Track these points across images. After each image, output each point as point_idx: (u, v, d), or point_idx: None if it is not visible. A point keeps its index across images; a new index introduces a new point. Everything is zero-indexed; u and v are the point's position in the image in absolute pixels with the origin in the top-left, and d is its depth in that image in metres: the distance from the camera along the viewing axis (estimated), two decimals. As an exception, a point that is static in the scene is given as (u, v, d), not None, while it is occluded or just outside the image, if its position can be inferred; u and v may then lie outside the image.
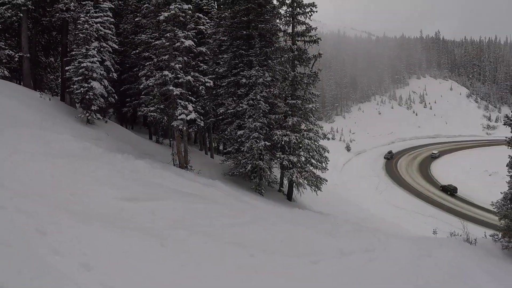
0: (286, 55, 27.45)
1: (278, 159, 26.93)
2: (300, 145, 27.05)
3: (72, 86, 24.76)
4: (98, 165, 15.12)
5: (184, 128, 23.20)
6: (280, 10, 28.32)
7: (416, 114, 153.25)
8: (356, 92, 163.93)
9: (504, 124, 20.72)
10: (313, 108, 27.92)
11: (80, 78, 24.22)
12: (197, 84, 24.05)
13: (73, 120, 24.37)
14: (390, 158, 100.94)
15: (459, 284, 10.86)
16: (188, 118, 22.65)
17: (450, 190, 69.92)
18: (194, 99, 24.96)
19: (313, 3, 27.13)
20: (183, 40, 22.71)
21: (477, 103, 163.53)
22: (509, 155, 19.49)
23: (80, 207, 9.76)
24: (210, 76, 28.07)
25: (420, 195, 69.62)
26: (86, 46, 24.60)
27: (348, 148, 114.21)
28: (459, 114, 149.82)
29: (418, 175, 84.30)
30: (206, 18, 30.59)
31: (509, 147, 19.37)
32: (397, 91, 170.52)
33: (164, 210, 11.49)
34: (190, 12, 23.50)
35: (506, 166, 19.78)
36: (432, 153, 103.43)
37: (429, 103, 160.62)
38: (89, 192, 11.13)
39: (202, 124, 24.66)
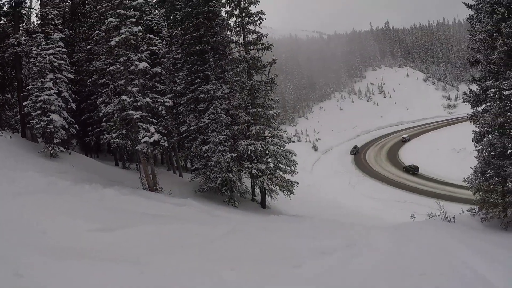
0: (241, 65, 27.66)
1: (247, 169, 27.02)
2: (267, 152, 27.23)
3: (31, 121, 24.34)
4: (66, 198, 14.87)
5: (149, 150, 23.03)
6: (230, 22, 28.60)
7: (377, 105, 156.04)
8: (315, 92, 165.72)
9: (464, 101, 21.48)
10: (275, 114, 28.18)
11: (38, 112, 23.86)
12: (157, 105, 23.93)
13: (36, 155, 23.90)
14: (356, 153, 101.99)
15: (444, 263, 11.06)
16: (152, 140, 22.49)
17: (412, 170, 73.59)
18: (155, 121, 24.81)
19: (261, 10, 27.49)
20: (137, 63, 22.58)
21: (435, 85, 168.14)
22: (473, 130, 20.19)
23: (53, 244, 9.57)
24: (168, 96, 27.96)
25: (393, 182, 70.78)
26: (42, 79, 24.30)
27: (315, 148, 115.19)
28: (419, 98, 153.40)
29: (387, 164, 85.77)
30: (158, 38, 30.38)
31: (472, 123, 20.06)
32: (356, 85, 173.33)
33: (138, 236, 11.38)
34: (140, 34, 23.40)
35: (472, 141, 20.47)
36: (402, 137, 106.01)
37: (388, 92, 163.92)
38: (60, 227, 10.93)
39: (166, 145, 24.51)
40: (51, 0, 30.26)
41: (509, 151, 18.86)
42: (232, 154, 25.71)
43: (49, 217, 11.71)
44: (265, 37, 28.31)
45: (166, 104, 24.51)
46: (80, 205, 14.37)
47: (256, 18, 27.73)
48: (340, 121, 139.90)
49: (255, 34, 28.15)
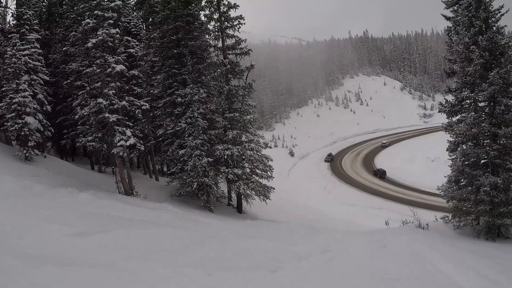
0: (219, 70, 27.62)
1: (223, 174, 26.93)
2: (243, 157, 27.20)
3: (5, 123, 23.84)
4: (42, 203, 14.63)
5: (125, 154, 22.79)
6: (209, 26, 28.45)
7: (354, 112, 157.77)
8: (292, 98, 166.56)
9: (439, 111, 21.92)
10: (252, 119, 28.19)
11: (13, 114, 23.42)
12: (133, 108, 23.70)
13: (10, 159, 23.42)
14: (331, 161, 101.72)
15: (416, 270, 11.22)
16: (128, 143, 22.27)
17: (379, 173, 77.66)
18: (132, 124, 24.55)
19: (241, 15, 27.47)
20: (114, 65, 22.33)
21: (411, 94, 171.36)
22: (448, 140, 20.57)
23: (29, 250, 9.34)
24: (145, 99, 27.71)
25: (368, 189, 71.31)
26: (16, 81, 23.88)
27: (291, 154, 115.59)
28: (395, 107, 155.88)
29: (363, 170, 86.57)
30: (135, 40, 30.21)
31: (447, 132, 20.45)
32: (333, 92, 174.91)
33: (115, 241, 11.23)
34: (118, 36, 23.17)
35: (446, 150, 20.86)
36: (382, 142, 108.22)
37: (365, 100, 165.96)
38: (36, 233, 10.69)
39: (142, 148, 24.29)
40: (27, 0, 29.56)
41: (482, 161, 19.30)
42: (209, 158, 25.57)
43: (25, 222, 11.48)
44: (243, 42, 28.31)
45: (143, 107, 24.28)
46: (56, 210, 14.13)
47: (235, 23, 27.70)
48: (317, 127, 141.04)
49: (233, 39, 28.13)
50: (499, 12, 18.92)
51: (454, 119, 20.44)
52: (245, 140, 27.93)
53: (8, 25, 35.58)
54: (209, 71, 28.57)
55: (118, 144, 21.94)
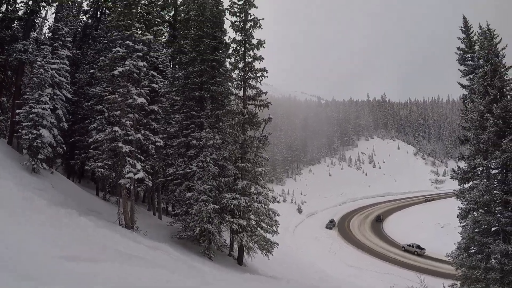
0: (236, 118, 27.77)
1: (228, 223, 26.55)
2: (250, 209, 26.85)
3: (20, 130, 23.81)
4: (39, 218, 14.41)
5: (132, 187, 22.69)
6: (233, 74, 28.91)
7: (366, 174, 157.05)
8: (306, 154, 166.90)
9: (452, 178, 21.79)
10: (263, 172, 28.00)
11: (29, 123, 23.37)
12: (147, 143, 23.83)
13: (18, 166, 23.19)
14: (332, 227, 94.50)
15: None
16: (136, 177, 22.25)
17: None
18: (143, 158, 24.58)
19: (264, 68, 27.94)
20: (136, 97, 22.65)
21: (424, 159, 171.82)
22: (459, 207, 20.28)
23: (15, 266, 9.06)
24: (161, 135, 27.92)
25: (375, 253, 69.66)
26: (39, 92, 23.98)
27: (299, 210, 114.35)
28: (408, 171, 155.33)
29: (371, 233, 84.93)
30: (160, 77, 30.72)
31: (458, 199, 20.20)
32: (347, 153, 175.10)
33: (107, 272, 10.89)
34: (144, 69, 23.60)
35: (457, 217, 20.53)
36: (376, 217, 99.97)
37: (378, 163, 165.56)
38: (26, 248, 10.43)
39: (150, 184, 24.21)
40: (66, 17, 30.40)
41: (493, 229, 18.95)
42: (215, 205, 25.22)
43: (16, 234, 11.28)
44: (264, 94, 28.60)
45: (157, 143, 24.41)
46: (52, 229, 13.91)
47: (258, 74, 28.14)
48: (328, 186, 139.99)
49: (255, 90, 28.42)
50: (514, 81, 19.12)
51: (466, 185, 20.28)
52: (254, 191, 27.67)
53: (43, 36, 36.40)
54: (227, 118, 28.70)
55: (127, 175, 21.91)
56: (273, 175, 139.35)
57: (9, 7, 28.81)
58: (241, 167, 27.34)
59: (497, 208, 18.57)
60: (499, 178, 18.76)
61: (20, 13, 29.00)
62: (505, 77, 19.28)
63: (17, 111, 25.02)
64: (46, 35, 36.30)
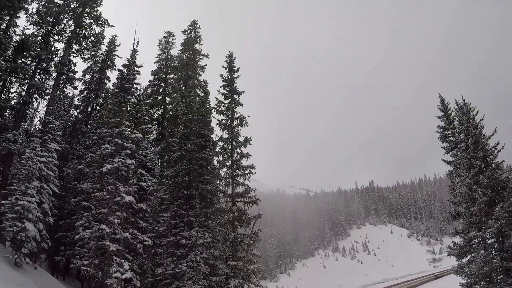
0: (226, 216, 27.49)
1: (221, 325, 25.37)
2: (244, 308, 25.83)
3: (5, 222, 23.02)
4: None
5: (119, 287, 21.87)
6: (221, 172, 29.05)
7: (361, 263, 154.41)
8: (299, 248, 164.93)
9: (448, 255, 21.57)
10: (255, 269, 27.20)
11: (14, 215, 22.70)
12: (135, 242, 23.36)
13: (0, 258, 22.29)
14: None
15: None
16: (124, 277, 21.53)
17: None
18: (131, 257, 23.93)
19: (252, 164, 28.23)
20: (124, 195, 22.57)
21: (419, 240, 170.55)
22: (460, 283, 19.84)
23: None
24: (149, 234, 27.34)
25: None
26: (26, 184, 23.62)
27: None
28: (403, 254, 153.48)
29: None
30: (149, 175, 30.80)
31: (458, 275, 19.85)
32: (340, 243, 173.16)
33: None
34: (133, 167, 23.74)
35: (459, 295, 19.99)
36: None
37: (373, 250, 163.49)
38: None
39: (138, 285, 23.34)
40: (57, 110, 30.84)
41: None
42: (207, 307, 24.31)
43: None
44: (253, 191, 28.62)
45: (145, 242, 23.92)
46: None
47: (246, 171, 28.33)
48: (323, 279, 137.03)
49: (243, 187, 28.43)
50: (495, 149, 19.66)
51: (464, 260, 20.06)
52: (247, 290, 26.80)
53: (33, 128, 36.75)
54: (216, 216, 28.34)
55: (114, 275, 21.18)
56: (266, 272, 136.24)
57: (2, 95, 29.47)
58: (232, 265, 26.58)
59: (499, 277, 18.26)
60: (496, 247, 18.66)
61: (12, 102, 29.76)
62: (487, 146, 19.83)
63: (2, 201, 24.65)
64: (37, 127, 36.86)
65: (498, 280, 18.11)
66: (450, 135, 26.82)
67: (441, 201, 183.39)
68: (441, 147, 26.91)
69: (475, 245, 19.50)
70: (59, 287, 27.94)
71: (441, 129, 28.00)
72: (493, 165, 19.38)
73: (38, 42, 31.86)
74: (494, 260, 17.77)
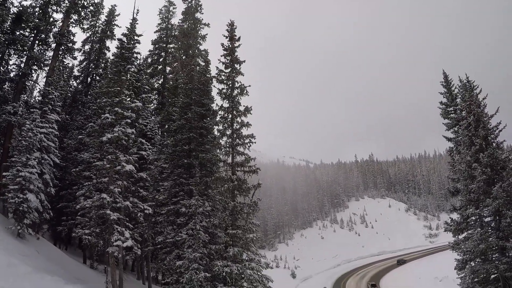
0: (226, 185, 27.47)
1: (220, 291, 25.72)
2: (243, 276, 26.07)
3: (6, 194, 23.22)
4: (22, 286, 13.85)
5: (120, 255, 22.10)
6: (221, 141, 28.96)
7: (359, 235, 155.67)
8: (297, 218, 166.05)
9: (445, 231, 21.78)
10: (254, 238, 27.41)
11: (16, 187, 22.85)
12: (136, 211, 23.47)
13: (3, 230, 22.49)
14: None
15: None
16: (125, 245, 21.71)
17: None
18: (132, 226, 24.10)
19: (252, 134, 28.04)
20: (124, 164, 22.55)
21: (416, 215, 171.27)
22: (455, 259, 20.09)
23: None
24: (150, 203, 27.54)
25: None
26: (27, 155, 23.70)
27: (293, 275, 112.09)
28: (401, 228, 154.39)
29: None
30: (149, 144, 30.78)
31: (454, 251, 20.06)
32: (338, 215, 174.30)
33: None
34: (133, 136, 23.65)
35: (455, 269, 20.30)
36: (398, 261, 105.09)
37: (370, 223, 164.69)
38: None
39: (139, 253, 23.60)
40: (56, 81, 30.65)
41: (492, 276, 18.73)
42: (206, 273, 24.49)
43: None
44: (252, 160, 28.51)
45: (145, 211, 24.05)
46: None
47: (246, 141, 28.17)
48: (321, 249, 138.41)
49: (243, 156, 28.31)
50: (497, 128, 19.58)
51: (460, 237, 20.23)
52: (246, 258, 26.94)
53: (33, 99, 36.53)
54: (216, 185, 28.42)
55: (115, 243, 21.35)
56: (265, 241, 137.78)
57: (1, 68, 29.33)
58: (231, 234, 26.77)
59: (494, 255, 18.50)
60: (493, 225, 18.82)
61: (11, 74, 29.61)
62: (488, 125, 19.75)
63: (3, 173, 24.64)
64: (36, 98, 36.66)
65: (493, 258, 18.36)
66: (452, 112, 26.72)
67: (440, 177, 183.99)
68: (443, 123, 26.81)
69: (472, 222, 19.66)
70: (62, 256, 28.30)
71: (443, 106, 27.88)
72: (494, 144, 19.36)
73: (36, 13, 31.31)
74: (490, 238, 17.93)
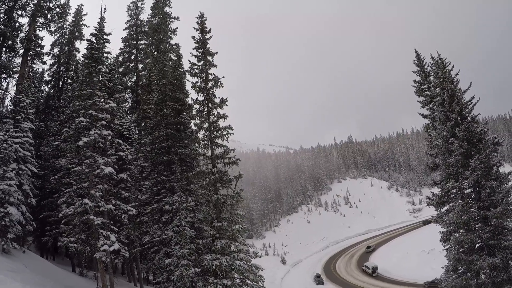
0: (207, 179, 27.37)
1: (212, 285, 25.76)
2: (233, 267, 26.14)
3: None
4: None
5: (108, 259, 21.99)
6: (198, 135, 28.81)
7: (344, 216, 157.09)
8: (282, 205, 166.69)
9: (428, 205, 22.19)
10: (240, 229, 27.42)
11: None
12: (119, 213, 23.32)
13: None
14: (323, 284, 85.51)
15: None
16: (112, 249, 21.62)
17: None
18: (117, 229, 23.98)
19: (229, 125, 27.89)
20: (103, 167, 22.35)
21: (399, 192, 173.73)
22: (440, 231, 20.51)
23: None
24: (133, 204, 27.35)
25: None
26: (4, 167, 23.37)
27: (283, 261, 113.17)
28: (384, 206, 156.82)
29: (358, 273, 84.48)
30: (127, 144, 30.49)
31: (438, 224, 20.50)
32: (322, 198, 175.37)
33: None
34: (110, 138, 23.43)
35: (440, 241, 20.74)
36: (367, 247, 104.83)
37: (354, 203, 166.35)
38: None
39: (127, 255, 23.53)
40: (27, 88, 30.00)
41: (477, 245, 19.24)
42: (196, 269, 24.48)
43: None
44: (232, 151, 28.42)
45: (129, 212, 23.90)
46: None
47: (224, 133, 28.01)
48: (308, 233, 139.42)
49: (222, 148, 28.22)
50: (471, 102, 19.92)
51: (443, 210, 20.62)
52: (234, 249, 27.01)
53: (5, 109, 35.59)
54: (197, 179, 28.19)
55: (102, 248, 21.22)
56: (252, 230, 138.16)
57: None
58: (217, 227, 26.72)
59: (477, 225, 18.97)
60: (473, 197, 19.28)
61: None
62: (462, 100, 20.09)
63: None
64: (8, 107, 35.84)
65: (476, 228, 18.84)
66: (426, 89, 27.06)
67: (419, 153, 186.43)
68: (418, 101, 27.13)
69: (453, 195, 20.09)
70: (50, 267, 27.96)
71: (417, 84, 28.20)
72: (469, 118, 19.72)
73: (1, 19, 30.64)
74: (472, 209, 18.38)
